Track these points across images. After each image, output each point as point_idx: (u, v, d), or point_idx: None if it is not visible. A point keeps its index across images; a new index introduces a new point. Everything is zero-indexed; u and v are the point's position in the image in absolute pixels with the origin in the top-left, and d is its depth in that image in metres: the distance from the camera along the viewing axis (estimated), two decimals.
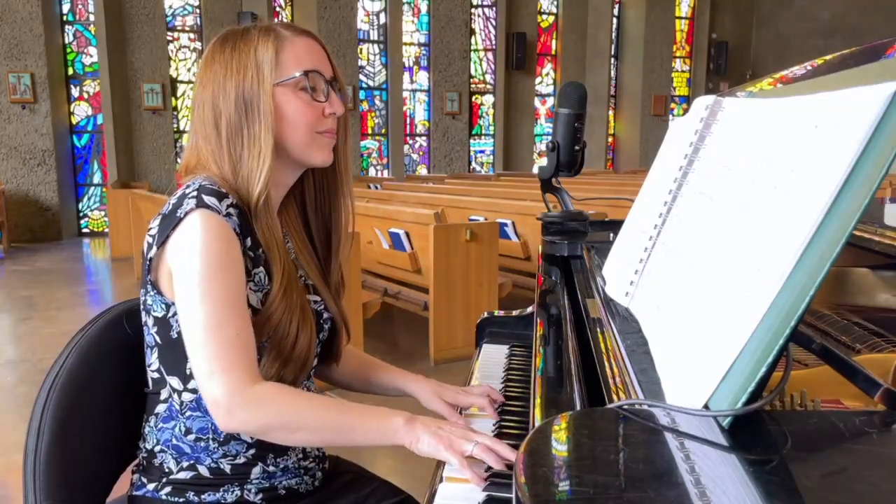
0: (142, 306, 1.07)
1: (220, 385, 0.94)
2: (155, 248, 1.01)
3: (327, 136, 1.09)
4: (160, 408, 1.07)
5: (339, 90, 1.12)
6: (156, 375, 1.07)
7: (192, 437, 1.05)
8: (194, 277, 0.96)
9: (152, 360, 1.07)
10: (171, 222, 0.99)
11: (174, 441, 1.06)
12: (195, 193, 0.99)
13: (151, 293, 1.05)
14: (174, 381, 1.05)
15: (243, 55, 1.05)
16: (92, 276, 7.20)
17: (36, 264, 7.46)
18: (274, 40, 1.06)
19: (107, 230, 9.00)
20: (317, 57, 1.09)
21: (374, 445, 0.98)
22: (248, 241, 1.03)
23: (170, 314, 1.03)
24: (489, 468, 0.94)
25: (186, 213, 0.98)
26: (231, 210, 1.00)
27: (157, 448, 1.07)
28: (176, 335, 1.03)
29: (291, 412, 0.96)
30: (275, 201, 1.12)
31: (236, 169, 1.05)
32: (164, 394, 1.07)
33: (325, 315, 1.16)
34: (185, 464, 1.06)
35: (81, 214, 9.76)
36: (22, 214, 8.89)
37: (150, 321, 1.06)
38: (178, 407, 1.06)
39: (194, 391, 1.04)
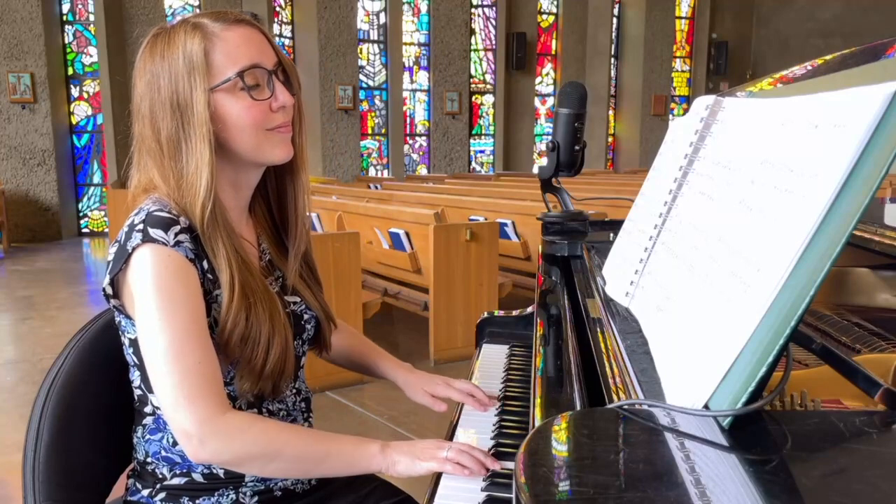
0: (117, 327, 1.06)
1: (187, 415, 0.91)
2: (108, 277, 0.99)
3: (281, 131, 1.03)
4: (147, 420, 1.06)
5: (288, 77, 1.05)
6: (139, 392, 1.06)
7: (179, 447, 1.03)
8: (149, 313, 0.94)
9: (134, 377, 1.06)
10: (121, 255, 0.96)
11: (163, 453, 1.05)
12: (142, 226, 0.96)
13: (122, 316, 1.03)
14: (155, 400, 1.04)
15: (173, 61, 0.98)
16: (92, 276, 7.19)
17: (36, 264, 7.45)
18: (201, 40, 0.97)
19: (107, 230, 9.01)
20: (254, 48, 1.00)
21: (350, 474, 0.98)
22: (205, 264, 1.00)
23: None
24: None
25: (134, 249, 0.95)
26: (181, 237, 0.97)
27: (149, 458, 1.07)
28: None
29: (266, 443, 0.94)
30: (242, 204, 1.10)
31: (180, 185, 0.99)
32: (148, 409, 1.06)
33: (307, 315, 1.14)
34: (178, 471, 1.05)
35: (81, 214, 9.75)
36: (22, 214, 8.89)
37: (126, 342, 1.04)
38: (164, 420, 1.04)
39: None
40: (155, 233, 0.96)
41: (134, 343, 1.02)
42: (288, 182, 1.14)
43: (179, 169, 0.99)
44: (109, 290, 1.00)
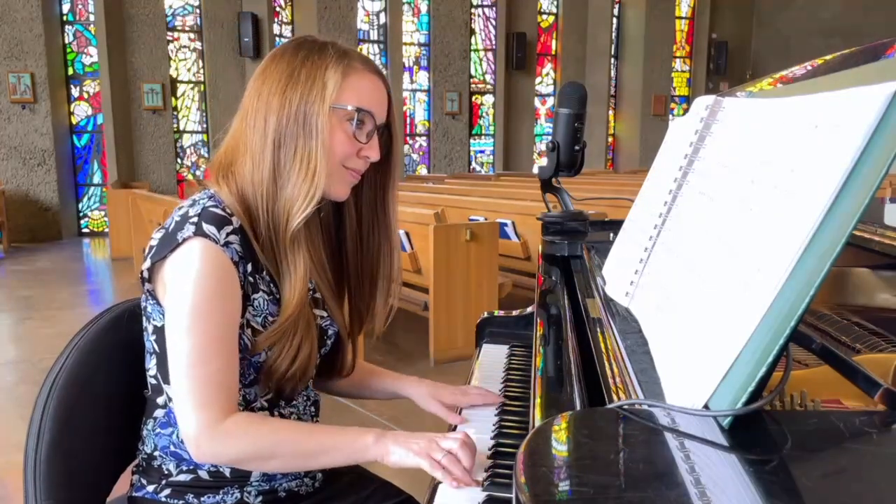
0: (142, 312, 1.07)
1: (192, 420, 0.96)
2: (149, 262, 1.00)
3: (353, 174, 1.08)
4: (158, 413, 1.07)
5: (391, 136, 1.12)
6: (153, 381, 1.07)
7: None
8: (184, 309, 0.96)
9: (150, 365, 1.07)
10: (169, 243, 0.98)
11: (172, 448, 1.06)
12: (196, 219, 0.98)
13: (151, 302, 1.04)
14: (169, 390, 1.04)
15: (315, 67, 1.03)
16: (92, 276, 7.20)
17: (36, 264, 7.45)
18: (345, 66, 1.04)
19: (107, 230, 9.01)
20: (377, 100, 1.07)
21: (348, 464, 1.00)
22: (249, 267, 1.02)
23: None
24: (489, 467, 0.94)
25: (185, 239, 0.97)
26: (231, 238, 0.99)
27: (156, 452, 1.07)
28: None
29: (260, 443, 0.97)
30: None
31: (276, 180, 1.02)
32: (160, 400, 1.07)
33: (331, 331, 1.16)
34: (184, 467, 1.06)
35: (81, 214, 9.76)
36: (22, 214, 8.89)
37: (150, 328, 1.06)
38: (175, 414, 1.05)
39: None
40: (208, 228, 0.98)
41: (158, 331, 1.04)
42: (375, 230, 1.18)
43: (283, 166, 1.02)
44: (146, 274, 1.02)
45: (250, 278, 1.02)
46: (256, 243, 1.03)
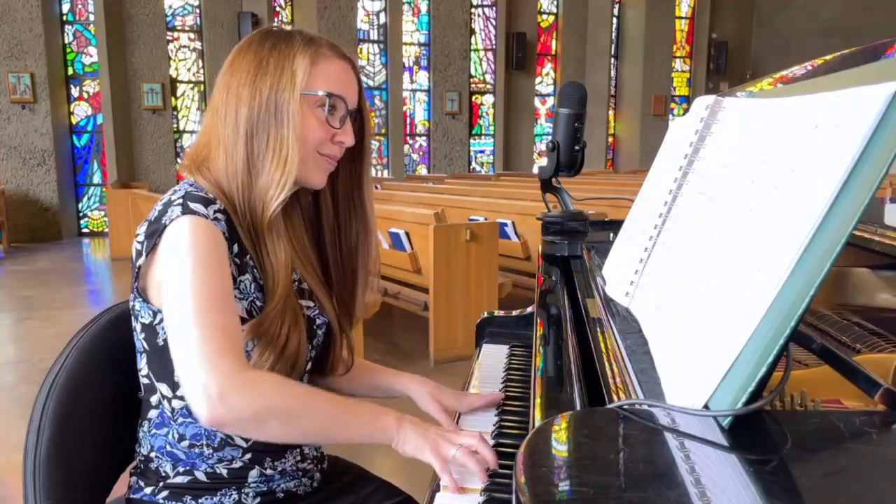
0: (131, 311, 1.06)
1: (208, 371, 0.86)
2: (144, 257, 0.99)
3: (329, 160, 1.08)
4: (152, 413, 1.06)
5: (363, 121, 1.13)
6: (146, 381, 1.06)
7: (185, 443, 1.04)
8: (183, 272, 0.92)
9: (142, 365, 1.06)
10: (156, 230, 0.97)
11: (168, 448, 1.05)
12: (180, 201, 0.97)
13: (139, 300, 1.03)
14: (164, 388, 1.04)
15: (284, 56, 1.03)
16: (92, 276, 7.19)
17: (36, 264, 7.45)
18: (313, 52, 1.05)
19: (107, 230, 9.01)
20: (347, 84, 1.07)
21: (362, 442, 0.96)
22: (235, 248, 1.01)
23: (156, 321, 1.02)
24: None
25: (172, 220, 0.96)
26: (218, 215, 0.99)
27: (153, 454, 1.07)
28: (162, 342, 1.02)
29: (292, 399, 0.90)
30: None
31: (250, 170, 1.02)
32: (154, 400, 1.06)
33: (319, 321, 1.14)
34: (181, 469, 1.06)
35: (81, 214, 9.76)
36: (22, 214, 8.89)
37: (139, 327, 1.05)
38: (169, 413, 1.05)
39: (183, 398, 0.98)
40: (195, 206, 0.97)
41: (146, 328, 1.03)
42: (352, 216, 1.19)
43: (258, 154, 1.02)
44: (142, 263, 1.00)
45: (236, 260, 1.01)
46: (240, 228, 1.03)
